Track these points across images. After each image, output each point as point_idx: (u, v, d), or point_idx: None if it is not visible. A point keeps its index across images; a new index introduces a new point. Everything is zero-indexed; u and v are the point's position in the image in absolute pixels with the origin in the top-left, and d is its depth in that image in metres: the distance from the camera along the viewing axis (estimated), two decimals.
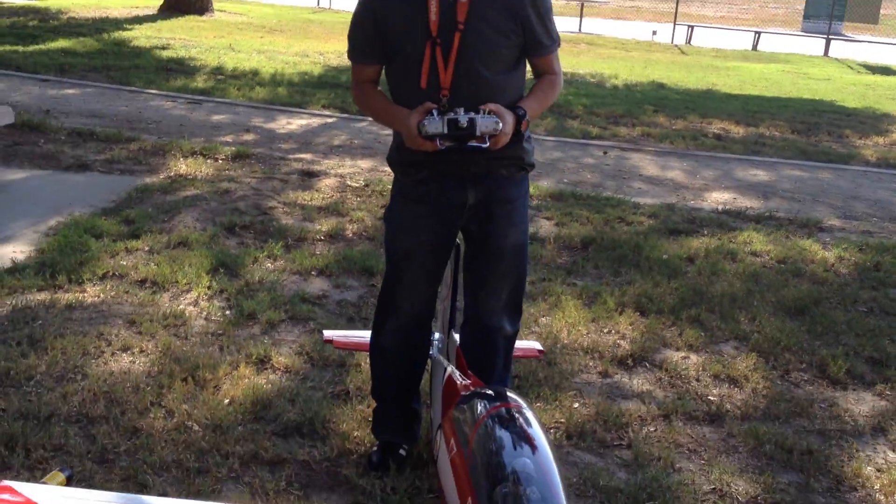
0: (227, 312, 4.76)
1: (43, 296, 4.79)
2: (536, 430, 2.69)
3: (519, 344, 3.76)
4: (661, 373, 4.47)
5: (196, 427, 3.64)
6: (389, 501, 3.28)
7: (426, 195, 3.23)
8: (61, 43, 14.07)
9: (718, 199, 7.82)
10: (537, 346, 4.13)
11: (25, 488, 2.36)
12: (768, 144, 10.36)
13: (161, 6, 20.62)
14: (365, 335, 3.74)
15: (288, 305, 4.87)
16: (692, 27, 23.57)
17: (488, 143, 2.98)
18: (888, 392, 4.44)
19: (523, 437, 2.65)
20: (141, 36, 15.70)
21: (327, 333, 4.00)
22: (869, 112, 13.29)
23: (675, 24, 23.51)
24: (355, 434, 3.68)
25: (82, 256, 5.31)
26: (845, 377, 4.54)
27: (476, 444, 2.66)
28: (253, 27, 19.07)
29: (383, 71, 3.26)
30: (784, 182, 8.65)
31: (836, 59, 21.85)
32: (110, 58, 13.04)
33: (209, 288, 5.04)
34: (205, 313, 4.75)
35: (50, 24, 16.56)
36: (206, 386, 3.97)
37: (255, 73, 12.71)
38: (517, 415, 2.73)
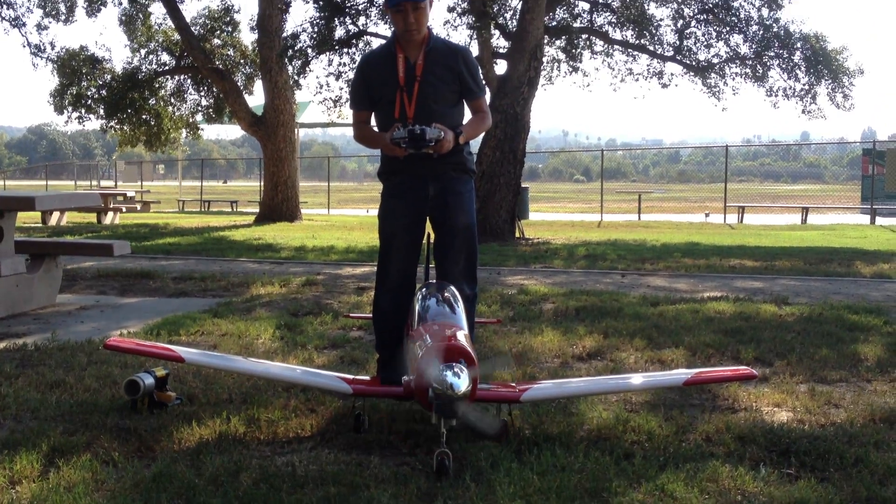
0: (285, 346, 6.35)
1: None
2: (455, 297, 4.23)
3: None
4: (607, 361, 5.87)
5: None
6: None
7: (402, 191, 4.87)
8: (167, 240, 16.41)
9: (709, 296, 9.19)
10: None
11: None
12: (776, 270, 11.71)
13: (256, 217, 23.46)
14: (369, 317, 5.30)
15: (330, 340, 6.45)
16: (742, 207, 25.23)
17: (435, 145, 4.61)
18: (783, 366, 5.73)
19: (444, 299, 4.19)
20: (237, 234, 18.08)
21: (345, 314, 5.60)
22: (889, 252, 14.36)
23: (725, 204, 25.21)
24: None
25: (178, 326, 7.00)
26: (752, 360, 5.87)
27: (415, 308, 4.20)
28: (335, 227, 21.45)
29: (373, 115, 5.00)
30: (776, 287, 9.98)
31: (882, 225, 23.13)
32: (209, 244, 15.24)
33: (272, 336, 6.66)
34: (267, 345, 6.36)
35: (159, 231, 19.11)
36: None
37: (331, 247, 14.72)
38: (442, 287, 4.28)
